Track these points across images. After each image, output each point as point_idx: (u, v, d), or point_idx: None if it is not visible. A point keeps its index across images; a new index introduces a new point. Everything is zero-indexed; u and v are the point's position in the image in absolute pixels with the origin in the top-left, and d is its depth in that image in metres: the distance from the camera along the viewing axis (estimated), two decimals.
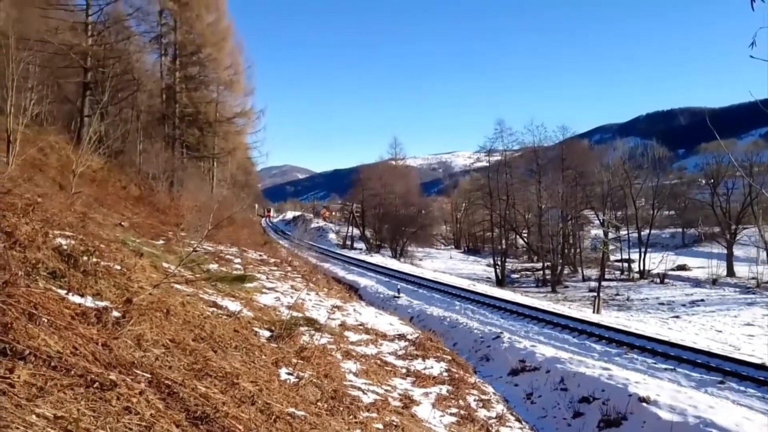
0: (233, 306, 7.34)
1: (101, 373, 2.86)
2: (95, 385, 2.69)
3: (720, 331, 25.82)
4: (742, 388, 11.48)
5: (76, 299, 4.06)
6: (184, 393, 3.16)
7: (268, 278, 12.52)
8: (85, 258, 4.89)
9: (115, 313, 4.06)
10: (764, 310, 32.65)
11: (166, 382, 3.21)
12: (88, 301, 4.15)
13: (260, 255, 17.86)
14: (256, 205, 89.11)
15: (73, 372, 2.75)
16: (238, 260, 14.00)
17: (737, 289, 40.15)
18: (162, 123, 27.12)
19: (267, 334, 6.72)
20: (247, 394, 3.75)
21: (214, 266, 11.28)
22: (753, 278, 42.56)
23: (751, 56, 2.46)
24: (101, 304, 4.19)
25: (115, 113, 22.94)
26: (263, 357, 5.35)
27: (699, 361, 13.31)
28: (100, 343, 3.36)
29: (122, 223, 11.91)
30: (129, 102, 23.98)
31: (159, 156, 24.25)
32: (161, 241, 11.73)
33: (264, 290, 10.32)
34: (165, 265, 7.94)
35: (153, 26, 26.50)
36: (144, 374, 3.20)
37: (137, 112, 24.92)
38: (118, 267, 5.46)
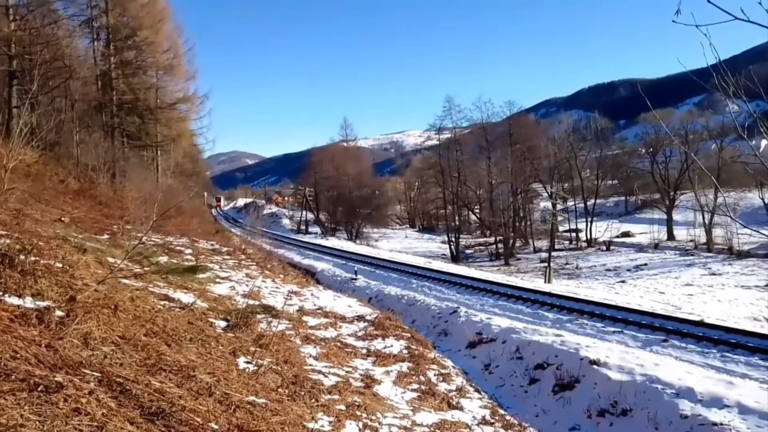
0: (186, 298, 7.16)
1: (46, 376, 2.73)
2: (39, 389, 2.57)
3: (663, 293, 27.24)
4: (683, 345, 12.18)
5: (14, 300, 3.85)
6: (138, 389, 3.07)
7: (221, 268, 12.27)
8: (22, 257, 4.64)
9: (59, 313, 3.88)
10: (702, 270, 34.67)
11: (118, 379, 3.10)
12: (28, 302, 3.95)
13: (212, 244, 17.46)
14: (205, 194, 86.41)
15: (13, 377, 2.62)
16: (189, 251, 13.65)
17: (677, 252, 42.38)
18: (99, 112, 25.79)
19: (223, 324, 6.60)
20: (204, 385, 3.68)
21: (164, 258, 10.94)
22: (691, 241, 45.02)
23: (674, 21, 2.56)
24: (42, 304, 3.99)
25: (47, 103, 21.65)
26: (220, 347, 5.26)
27: (644, 322, 14.02)
28: (43, 344, 3.21)
29: (62, 219, 11.36)
30: (61, 90, 22.61)
31: (98, 146, 23.09)
32: (106, 236, 11.28)
33: (218, 280, 10.11)
34: (111, 260, 7.64)
35: (82, 9, 25.04)
36: (93, 373, 3.08)
37: (71, 101, 23.54)
38: (60, 264, 5.21)
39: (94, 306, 4.27)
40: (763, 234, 5.66)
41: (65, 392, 2.60)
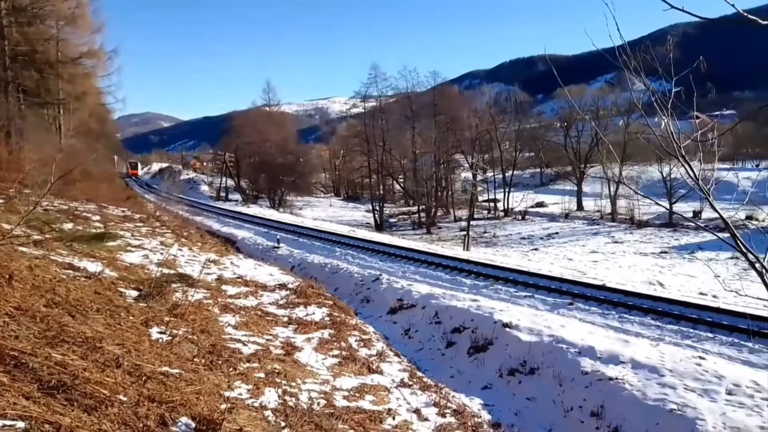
0: (93, 267, 6.76)
1: None
2: None
3: (571, 260, 29.08)
4: (587, 308, 13.11)
5: None
6: (35, 363, 2.87)
7: (133, 235, 11.67)
8: None
9: None
10: (606, 238, 37.31)
11: (12, 353, 2.89)
12: None
13: (123, 211, 16.54)
14: (116, 157, 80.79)
15: None
16: (97, 217, 12.86)
17: (585, 222, 45.25)
18: None
19: (134, 293, 6.31)
20: (112, 357, 3.51)
21: (68, 225, 10.25)
22: (598, 211, 48.18)
23: None
24: None
25: None
26: (131, 318, 5.03)
27: (553, 287, 14.91)
28: None
29: None
30: None
31: None
32: (0, 200, 10.36)
33: (129, 248, 9.62)
34: (6, 226, 7.04)
35: None
36: None
37: None
38: None
39: None
40: (661, 204, 6.16)
41: None
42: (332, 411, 4.96)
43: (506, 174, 56.47)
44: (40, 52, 25.29)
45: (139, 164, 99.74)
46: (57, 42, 26.36)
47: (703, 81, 3.58)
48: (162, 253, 9.94)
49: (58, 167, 6.61)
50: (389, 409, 5.67)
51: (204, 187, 68.83)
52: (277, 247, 24.06)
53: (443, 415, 6.27)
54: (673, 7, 2.42)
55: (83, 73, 28.97)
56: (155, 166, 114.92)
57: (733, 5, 2.36)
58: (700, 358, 8.36)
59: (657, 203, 5.08)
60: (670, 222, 39.14)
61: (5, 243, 5.08)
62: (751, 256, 2.75)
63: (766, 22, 2.38)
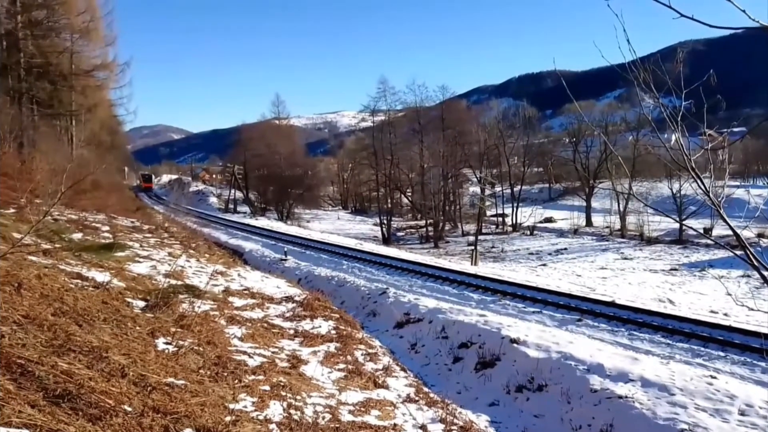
0: (101, 277, 6.78)
1: None
2: None
3: (579, 275, 28.83)
4: (596, 324, 12.98)
5: None
6: (41, 371, 2.87)
7: (141, 246, 11.72)
8: None
9: None
10: (615, 255, 37.00)
11: (19, 361, 2.89)
12: None
13: (132, 222, 16.65)
14: (126, 169, 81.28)
15: None
16: (106, 228, 12.95)
17: (594, 238, 44.92)
18: (4, 75, 23.62)
19: (141, 304, 6.32)
20: (118, 367, 3.50)
21: (77, 235, 10.31)
22: (607, 227, 47.85)
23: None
24: None
25: None
26: (137, 328, 5.03)
27: (561, 303, 14.79)
28: None
29: None
30: None
31: (3, 113, 21.25)
32: (12, 210, 10.46)
33: (137, 258, 9.66)
34: (17, 235, 7.09)
35: None
36: None
37: None
38: None
39: None
40: (671, 217, 6.10)
41: None
42: (337, 425, 4.90)
43: (514, 189, 56.36)
44: (54, 65, 25.69)
45: (153, 176, 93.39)
46: (71, 54, 26.79)
47: (713, 96, 3.56)
48: (170, 264, 9.97)
49: (68, 177, 6.66)
50: (395, 425, 5.59)
51: (213, 199, 69.26)
52: (285, 260, 24.09)
53: None
54: (682, 15, 2.40)
55: (96, 85, 29.39)
56: (165, 178, 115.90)
57: (743, 11, 2.34)
58: (712, 377, 8.22)
59: (667, 215, 5.04)
60: (680, 239, 38.78)
61: (15, 252, 5.11)
62: (765, 272, 2.70)
63: None
